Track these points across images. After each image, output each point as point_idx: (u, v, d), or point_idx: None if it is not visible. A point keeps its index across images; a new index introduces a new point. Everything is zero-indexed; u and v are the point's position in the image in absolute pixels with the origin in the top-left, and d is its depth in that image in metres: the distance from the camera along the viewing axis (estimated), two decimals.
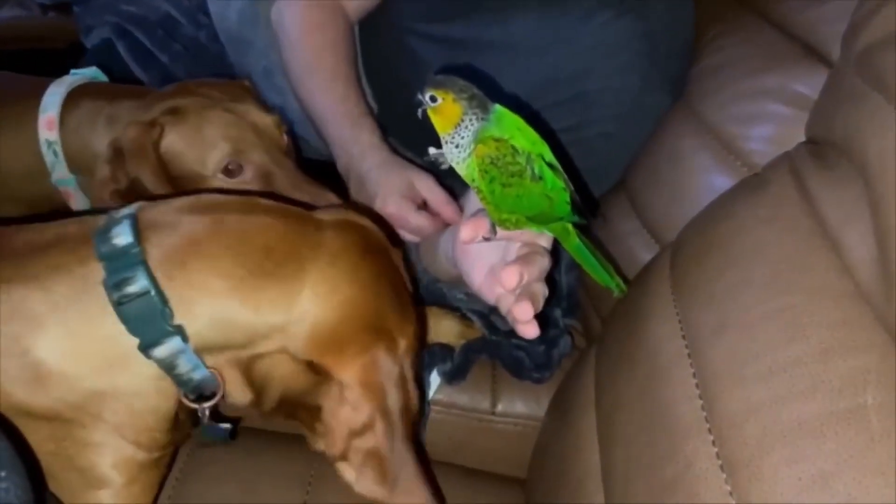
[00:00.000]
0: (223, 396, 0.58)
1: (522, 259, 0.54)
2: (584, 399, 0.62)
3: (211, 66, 1.05)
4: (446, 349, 0.79)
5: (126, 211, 0.55)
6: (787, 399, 0.40)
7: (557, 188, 0.52)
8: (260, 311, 0.54)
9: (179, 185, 0.73)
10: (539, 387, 0.79)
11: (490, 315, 0.80)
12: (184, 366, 0.54)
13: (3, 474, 0.44)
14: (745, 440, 0.40)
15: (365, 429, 0.55)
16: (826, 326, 0.42)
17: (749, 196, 0.54)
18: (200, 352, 0.54)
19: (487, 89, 0.53)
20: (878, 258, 0.42)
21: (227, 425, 0.62)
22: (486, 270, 0.59)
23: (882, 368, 0.39)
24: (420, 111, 0.52)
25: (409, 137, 0.97)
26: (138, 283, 0.51)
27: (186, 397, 0.56)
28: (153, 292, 0.51)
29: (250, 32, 1.02)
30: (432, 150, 0.54)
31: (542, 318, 0.80)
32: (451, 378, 0.78)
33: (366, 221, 0.62)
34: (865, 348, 0.40)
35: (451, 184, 0.89)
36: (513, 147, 0.51)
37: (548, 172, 0.52)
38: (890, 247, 0.41)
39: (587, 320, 0.85)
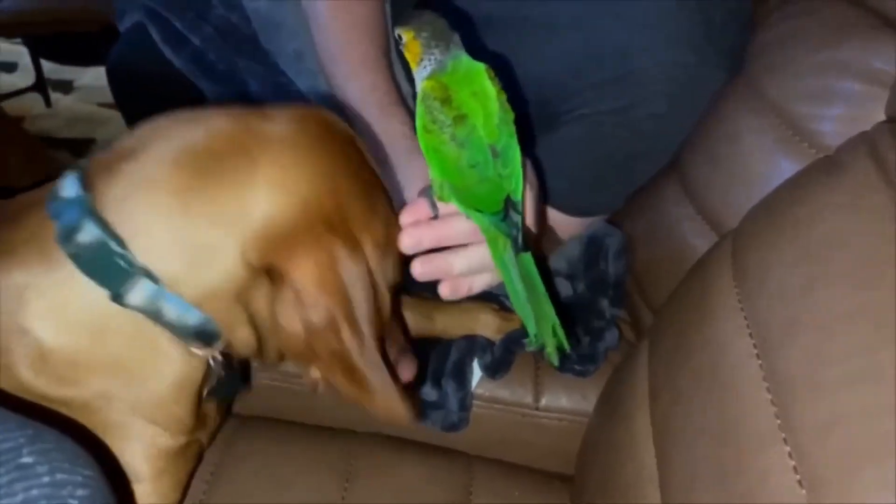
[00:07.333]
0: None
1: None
2: (636, 396, 0.58)
3: (243, 49, 1.02)
4: (487, 340, 0.77)
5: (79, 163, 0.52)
6: (876, 411, 0.36)
7: (485, 171, 0.48)
8: (214, 219, 0.49)
9: None
10: (585, 381, 0.75)
11: None
12: (171, 311, 0.49)
13: (88, 473, 0.41)
14: (829, 456, 0.36)
15: (327, 330, 0.49)
16: None
17: (823, 181, 0.50)
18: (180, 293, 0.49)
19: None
20: None
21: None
22: None
23: None
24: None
25: None
26: (87, 231, 0.48)
27: (193, 346, 0.52)
28: (103, 235, 0.48)
29: (280, 14, 1.00)
30: None
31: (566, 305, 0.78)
32: (493, 372, 0.75)
33: (325, 112, 0.56)
34: None
35: None
36: (448, 97, 0.48)
37: (477, 147, 0.48)
38: None
39: (636, 311, 0.81)
